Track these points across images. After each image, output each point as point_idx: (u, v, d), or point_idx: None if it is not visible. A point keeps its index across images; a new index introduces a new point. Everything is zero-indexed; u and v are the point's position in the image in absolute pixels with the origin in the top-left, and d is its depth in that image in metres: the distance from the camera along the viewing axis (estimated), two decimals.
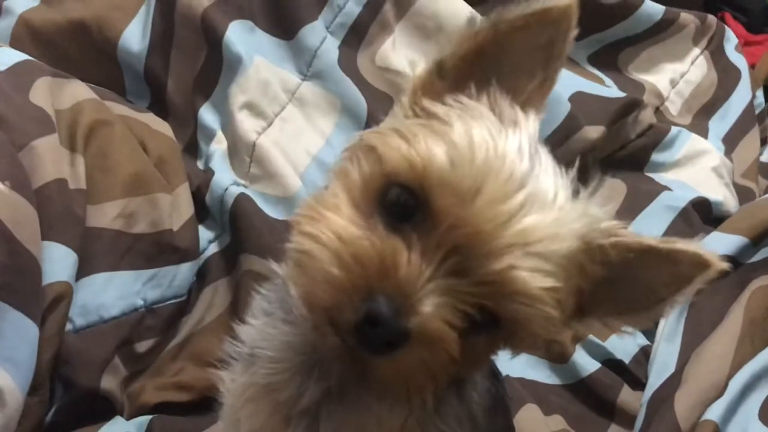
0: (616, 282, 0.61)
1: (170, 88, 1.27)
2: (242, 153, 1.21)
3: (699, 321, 1.13)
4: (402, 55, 1.31)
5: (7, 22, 1.28)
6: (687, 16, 1.57)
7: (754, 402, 1.00)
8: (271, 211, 1.18)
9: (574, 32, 0.61)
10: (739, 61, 1.65)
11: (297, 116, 1.25)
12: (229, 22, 1.24)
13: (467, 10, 1.31)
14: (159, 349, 1.11)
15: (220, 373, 0.75)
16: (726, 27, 1.68)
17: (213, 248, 1.20)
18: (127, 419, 1.04)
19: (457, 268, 0.54)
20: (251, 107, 1.23)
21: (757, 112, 1.66)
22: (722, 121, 1.58)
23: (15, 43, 1.26)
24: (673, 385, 1.04)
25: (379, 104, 1.26)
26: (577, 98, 1.33)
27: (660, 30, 1.53)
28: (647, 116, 1.41)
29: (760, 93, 1.73)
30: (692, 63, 1.58)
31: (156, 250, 1.10)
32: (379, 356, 0.55)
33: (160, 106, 1.29)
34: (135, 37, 1.27)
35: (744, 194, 1.48)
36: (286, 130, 1.24)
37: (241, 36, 1.24)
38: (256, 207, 1.17)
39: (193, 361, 1.10)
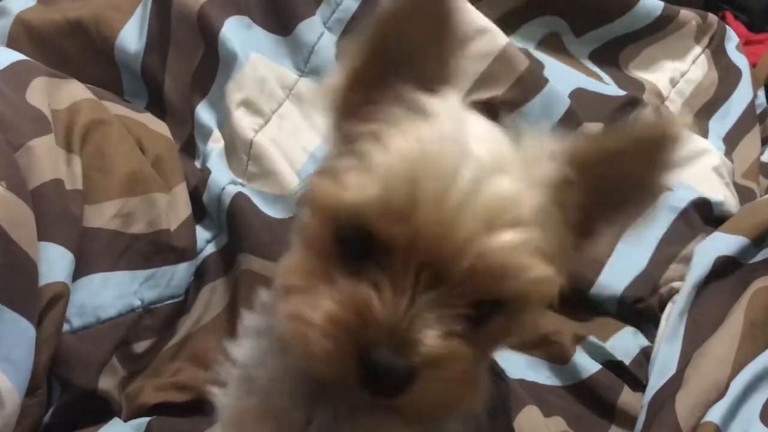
0: (601, 192, 0.60)
1: (167, 88, 1.27)
2: (240, 151, 1.21)
3: (700, 322, 1.13)
4: None
5: (4, 21, 1.28)
6: (687, 14, 1.56)
7: (756, 403, 0.99)
8: (269, 210, 1.18)
9: (456, 10, 0.59)
10: (740, 60, 1.65)
11: (294, 113, 1.25)
12: (225, 19, 1.24)
13: (464, 7, 1.30)
14: (157, 350, 1.11)
15: (215, 390, 0.74)
16: (727, 26, 1.68)
17: (211, 248, 1.19)
18: (125, 420, 1.04)
19: (434, 280, 0.53)
20: (248, 105, 1.22)
21: (758, 111, 1.66)
22: (723, 121, 1.58)
23: (12, 42, 1.26)
24: (674, 387, 1.04)
25: None
26: (577, 95, 1.33)
27: (660, 27, 1.52)
28: (647, 115, 1.41)
29: (761, 92, 1.73)
30: (693, 62, 1.58)
31: (153, 249, 1.10)
32: (398, 399, 0.54)
33: (157, 105, 1.29)
34: (132, 36, 1.27)
35: (745, 194, 1.48)
36: (284, 128, 1.24)
37: (237, 32, 1.24)
38: (253, 206, 1.17)
39: (191, 361, 1.10)
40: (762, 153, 1.61)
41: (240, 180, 1.20)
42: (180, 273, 1.13)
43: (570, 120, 1.29)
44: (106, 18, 1.27)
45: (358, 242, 0.56)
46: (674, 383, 1.05)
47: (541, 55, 1.39)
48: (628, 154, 0.58)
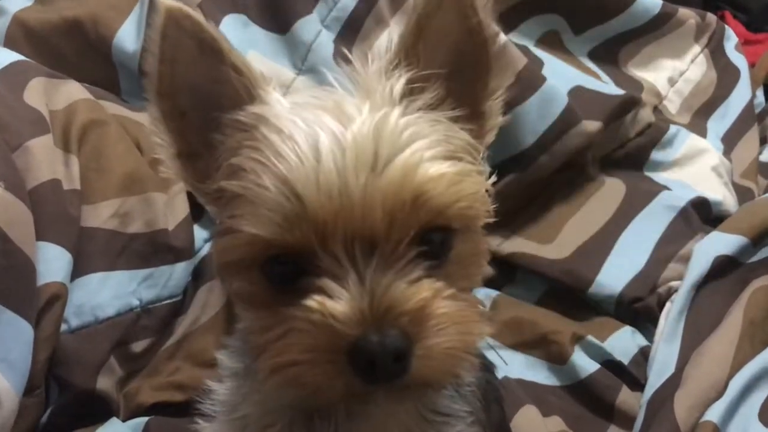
0: (449, 72, 0.63)
1: None
2: None
3: (699, 321, 1.12)
4: None
5: (1, 21, 1.28)
6: (686, 12, 1.56)
7: (754, 403, 0.99)
8: None
9: None
10: (738, 60, 1.65)
11: None
12: (223, 17, 1.24)
13: None
14: (155, 349, 1.11)
15: (203, 424, 0.74)
16: (726, 26, 1.68)
17: (208, 247, 1.19)
18: (123, 420, 1.04)
19: (368, 247, 0.54)
20: None
21: (756, 111, 1.66)
22: (721, 121, 1.58)
23: (9, 42, 1.26)
24: (673, 386, 1.04)
25: None
26: (576, 93, 1.33)
27: (659, 25, 1.52)
28: (646, 115, 1.41)
29: (760, 92, 1.73)
30: (692, 61, 1.58)
31: (151, 249, 1.10)
32: (407, 369, 0.54)
33: None
34: (129, 36, 1.27)
35: (743, 194, 1.47)
36: None
37: (234, 30, 1.24)
38: None
39: (189, 360, 1.10)
40: (761, 153, 1.60)
41: None
42: (178, 273, 1.13)
43: (568, 118, 1.29)
44: (103, 17, 1.27)
45: (284, 271, 0.57)
46: (673, 383, 1.05)
47: (540, 53, 1.39)
48: (440, 24, 0.61)
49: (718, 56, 1.62)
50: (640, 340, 1.17)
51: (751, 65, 1.74)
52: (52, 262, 0.97)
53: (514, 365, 1.15)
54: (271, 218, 0.55)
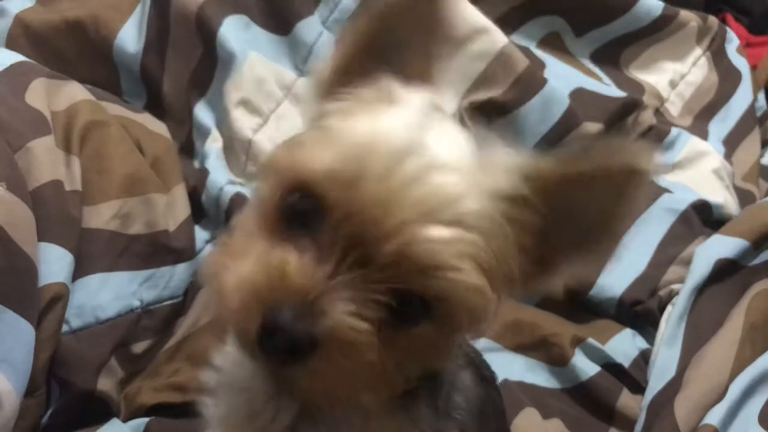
0: (560, 220, 0.58)
1: (166, 88, 1.27)
2: (238, 151, 1.21)
3: (699, 325, 1.12)
4: None
5: (3, 22, 1.27)
6: (687, 14, 1.56)
7: (754, 406, 0.99)
8: None
9: (450, 11, 0.61)
10: (740, 62, 1.65)
11: (293, 113, 1.25)
12: (224, 18, 1.24)
13: (464, 7, 1.31)
14: (155, 350, 1.11)
15: (204, 399, 0.74)
16: (727, 28, 1.68)
17: (209, 249, 1.19)
18: (124, 421, 1.04)
19: (361, 260, 0.52)
20: (247, 104, 1.23)
21: (758, 114, 1.66)
22: (723, 124, 1.58)
23: (11, 43, 1.26)
24: (674, 389, 1.04)
25: None
26: (578, 95, 1.33)
27: (661, 27, 1.52)
28: (647, 117, 1.41)
29: (761, 95, 1.72)
30: (693, 64, 1.58)
31: (152, 250, 1.10)
32: (289, 365, 0.53)
33: (156, 105, 1.29)
34: (131, 36, 1.27)
35: (744, 197, 1.47)
36: (282, 127, 1.24)
37: (235, 32, 1.24)
38: None
39: (189, 361, 1.10)
40: (762, 156, 1.61)
41: (239, 179, 1.20)
42: (179, 274, 1.13)
43: (569, 120, 1.29)
44: (104, 18, 1.27)
45: (300, 211, 0.55)
46: (674, 386, 1.05)
47: (542, 54, 1.39)
48: (591, 183, 0.56)
49: (720, 59, 1.62)
50: (641, 343, 1.17)
51: (753, 68, 1.73)
52: (54, 263, 0.97)
53: (515, 368, 1.15)
54: (327, 168, 0.53)
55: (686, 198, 1.35)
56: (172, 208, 1.14)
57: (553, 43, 1.44)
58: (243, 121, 1.22)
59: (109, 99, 1.22)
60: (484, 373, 0.78)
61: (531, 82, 1.28)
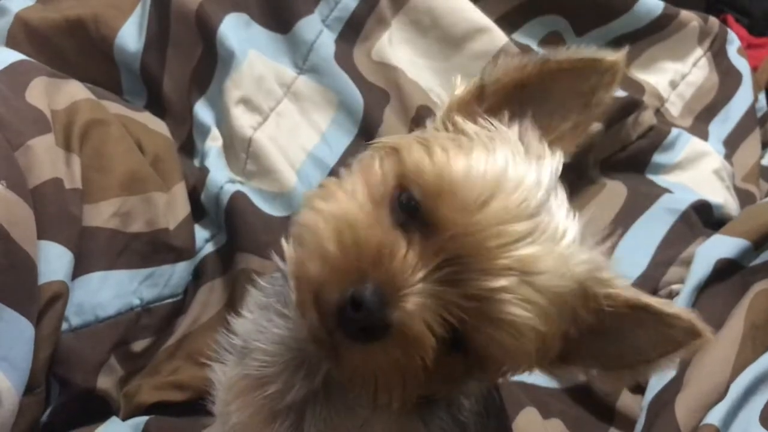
0: (604, 335, 0.61)
1: (166, 87, 1.27)
2: (238, 149, 1.21)
3: None
4: (398, 50, 1.31)
5: (3, 21, 1.27)
6: (688, 14, 1.56)
7: (756, 406, 0.99)
8: (268, 208, 1.18)
9: (617, 88, 0.63)
10: (740, 63, 1.65)
11: (293, 111, 1.25)
12: (224, 16, 1.23)
13: (464, 6, 1.31)
14: (155, 349, 1.11)
15: (213, 365, 0.74)
16: (728, 29, 1.68)
17: (209, 247, 1.19)
18: (123, 419, 1.04)
19: (450, 278, 0.54)
20: (246, 102, 1.22)
21: (758, 115, 1.66)
22: (723, 124, 1.58)
23: (11, 42, 1.26)
24: (674, 389, 1.04)
25: (375, 99, 1.26)
26: None
27: (662, 27, 1.52)
28: (648, 117, 1.41)
29: (762, 96, 1.72)
30: (694, 64, 1.58)
31: (152, 249, 1.10)
32: (355, 342, 0.54)
33: (156, 104, 1.28)
34: (131, 35, 1.27)
35: (745, 197, 1.47)
36: (282, 126, 1.24)
37: (235, 30, 1.24)
38: (251, 205, 1.17)
39: (189, 360, 1.10)
40: (762, 156, 1.61)
41: (238, 178, 1.20)
42: (179, 272, 1.13)
43: None
44: (105, 17, 1.27)
45: (413, 208, 0.57)
46: (674, 385, 1.05)
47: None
48: (656, 323, 0.60)
49: (721, 60, 1.62)
50: None
51: (754, 69, 1.74)
52: (54, 261, 0.97)
53: None
54: (459, 180, 0.56)
55: (687, 198, 1.35)
56: (172, 207, 1.14)
57: (554, 42, 1.44)
58: (243, 120, 1.21)
59: (109, 98, 1.22)
60: None
61: None
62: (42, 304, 0.95)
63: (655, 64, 1.53)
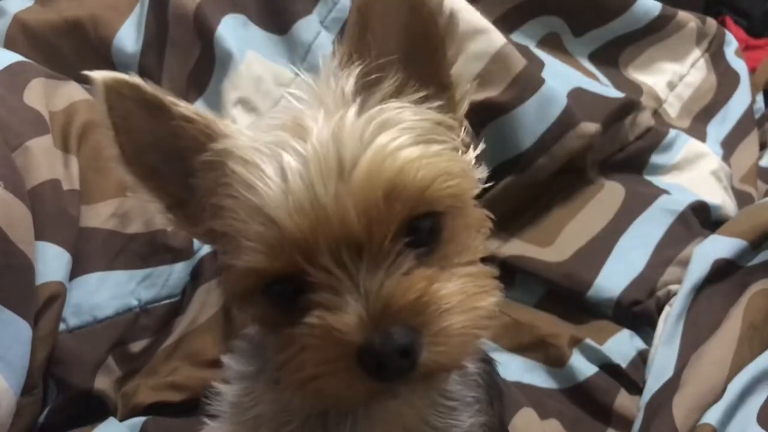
0: (408, 55, 0.63)
1: (164, 87, 1.22)
2: None
3: (698, 324, 1.12)
4: None
5: (1, 22, 1.28)
6: (686, 15, 1.56)
7: (753, 405, 0.99)
8: None
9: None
10: (738, 65, 1.65)
11: None
12: (222, 17, 1.24)
13: (462, 7, 1.31)
14: (153, 349, 1.11)
15: (208, 421, 0.74)
16: (726, 30, 1.68)
17: (207, 248, 1.19)
18: (121, 420, 1.04)
19: (354, 251, 0.55)
20: (244, 103, 1.23)
21: (756, 116, 1.66)
22: (721, 125, 1.58)
23: (9, 43, 1.26)
24: (672, 389, 1.03)
25: None
26: (576, 94, 1.33)
27: (660, 27, 1.52)
28: (645, 118, 1.41)
29: (760, 97, 1.73)
30: (692, 65, 1.58)
31: (150, 249, 1.10)
32: (418, 358, 0.55)
33: None
34: (129, 36, 1.27)
35: (743, 199, 1.47)
36: None
37: (233, 31, 1.24)
38: None
39: (187, 360, 1.10)
40: (760, 158, 1.61)
41: None
42: (176, 273, 1.13)
43: (567, 120, 1.29)
44: (103, 18, 1.27)
45: (284, 293, 0.58)
46: (671, 386, 1.04)
47: (541, 54, 1.39)
48: (379, 5, 0.61)
49: (718, 61, 1.62)
50: (639, 344, 1.17)
51: (752, 70, 1.74)
52: (51, 262, 0.97)
53: (513, 368, 1.15)
54: (254, 249, 0.55)
55: (684, 199, 1.35)
56: None
57: (552, 43, 1.44)
58: (241, 120, 1.21)
59: None
60: (485, 358, 0.79)
61: (529, 81, 1.28)
62: (39, 305, 0.95)
63: (653, 65, 1.54)
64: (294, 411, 0.68)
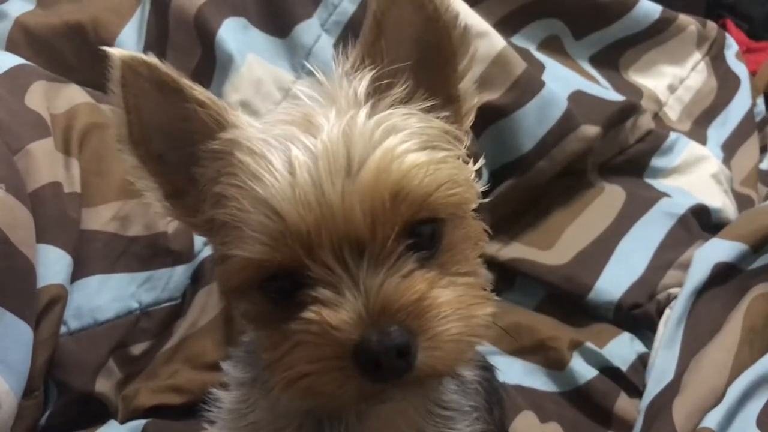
0: (406, 57, 0.63)
1: None
2: None
3: (698, 328, 1.12)
4: None
5: (3, 25, 1.28)
6: (687, 18, 1.56)
7: (752, 409, 0.99)
8: None
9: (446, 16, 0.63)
10: (739, 68, 1.65)
11: None
12: (223, 20, 1.24)
13: (462, 11, 1.31)
14: (153, 352, 1.11)
15: (207, 427, 0.74)
16: (726, 33, 1.68)
17: (207, 251, 1.19)
18: (121, 422, 1.04)
19: (356, 251, 0.55)
20: (245, 106, 1.23)
21: (757, 119, 1.66)
22: (721, 129, 1.58)
23: (11, 46, 1.26)
24: (672, 393, 1.03)
25: None
26: (576, 97, 1.33)
27: (660, 30, 1.52)
28: (646, 121, 1.41)
29: (760, 101, 1.72)
30: (692, 69, 1.58)
31: (150, 252, 1.10)
32: (413, 360, 0.55)
33: None
34: (131, 39, 1.27)
35: (743, 202, 1.47)
36: None
37: (234, 34, 1.24)
38: None
39: (187, 363, 1.10)
40: (761, 161, 1.61)
41: None
42: (177, 276, 1.13)
43: (567, 122, 1.29)
44: (104, 21, 1.27)
45: (282, 287, 0.58)
46: (672, 389, 1.04)
47: (541, 57, 1.39)
48: (394, 13, 0.61)
49: (719, 64, 1.62)
50: (639, 347, 1.17)
51: (753, 73, 1.74)
52: (52, 265, 0.98)
53: (513, 371, 1.15)
54: (256, 239, 0.55)
55: (685, 202, 1.35)
56: None
57: (552, 46, 1.44)
58: None
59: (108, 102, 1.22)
60: (485, 365, 0.79)
61: (529, 84, 1.28)
62: (41, 308, 0.95)
63: (653, 68, 1.54)
64: (289, 417, 0.68)
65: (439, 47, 0.64)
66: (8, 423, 0.88)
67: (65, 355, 0.99)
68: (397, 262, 0.56)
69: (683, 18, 1.55)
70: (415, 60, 0.64)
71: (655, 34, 1.52)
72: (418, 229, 0.58)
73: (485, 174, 1.26)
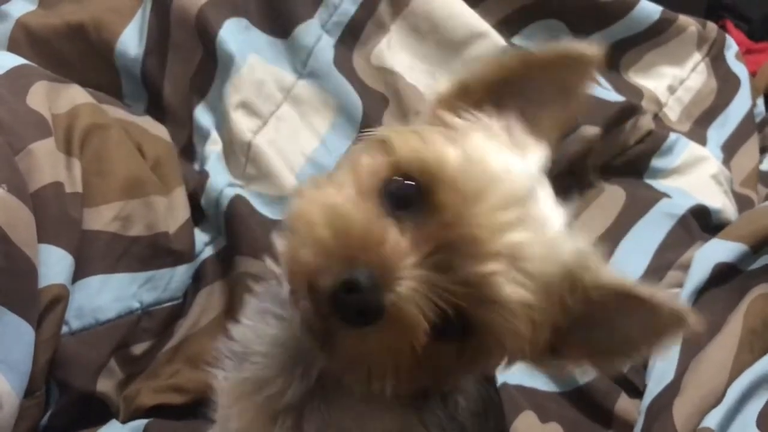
0: (592, 324, 0.61)
1: (167, 91, 1.27)
2: (238, 153, 1.22)
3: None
4: (397, 55, 1.32)
5: (4, 26, 1.28)
6: (687, 19, 1.56)
7: (752, 410, 0.99)
8: (267, 211, 1.18)
9: (595, 80, 0.65)
10: (739, 69, 1.65)
11: (292, 115, 1.26)
12: (224, 21, 1.24)
13: (462, 11, 1.31)
14: (155, 352, 1.11)
15: (214, 371, 0.75)
16: (726, 34, 1.68)
17: (209, 251, 1.19)
18: (123, 422, 1.04)
19: (441, 265, 0.55)
20: (246, 106, 1.23)
21: (757, 120, 1.66)
22: (721, 129, 1.58)
23: (13, 46, 1.26)
24: (672, 393, 1.04)
25: (374, 104, 1.27)
26: None
27: (660, 31, 1.52)
28: (646, 122, 1.41)
29: (760, 101, 1.73)
30: (692, 69, 1.58)
31: (152, 252, 1.10)
32: (349, 326, 0.54)
33: (157, 109, 1.29)
34: (132, 40, 1.27)
35: (743, 202, 1.48)
36: (282, 130, 1.24)
37: (235, 34, 1.24)
38: (251, 208, 1.17)
39: (188, 363, 1.10)
40: (761, 162, 1.61)
41: (238, 182, 1.21)
42: (178, 276, 1.13)
43: None
44: (106, 22, 1.27)
45: (403, 197, 0.58)
46: (672, 390, 1.05)
47: None
48: (642, 310, 0.59)
49: (719, 65, 1.62)
50: None
51: (753, 74, 1.74)
52: (54, 265, 0.97)
53: (514, 371, 1.15)
54: (457, 167, 0.57)
55: (685, 203, 1.35)
56: (172, 211, 1.15)
57: None
58: (243, 124, 1.22)
59: (110, 102, 1.22)
60: (486, 375, 0.79)
61: None
62: (42, 308, 0.95)
63: (653, 69, 1.54)
64: (275, 357, 0.69)
65: (615, 350, 0.63)
66: (10, 423, 0.88)
67: (67, 355, 0.99)
68: (434, 305, 0.55)
69: (683, 19, 1.55)
70: (594, 325, 0.62)
71: (655, 34, 1.52)
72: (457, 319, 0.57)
73: None
